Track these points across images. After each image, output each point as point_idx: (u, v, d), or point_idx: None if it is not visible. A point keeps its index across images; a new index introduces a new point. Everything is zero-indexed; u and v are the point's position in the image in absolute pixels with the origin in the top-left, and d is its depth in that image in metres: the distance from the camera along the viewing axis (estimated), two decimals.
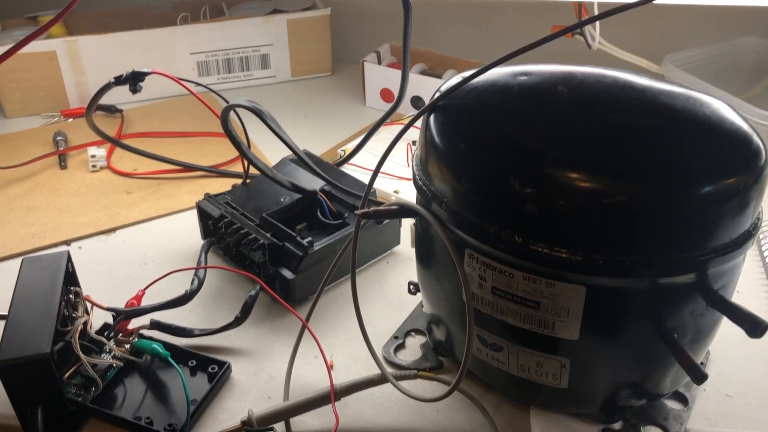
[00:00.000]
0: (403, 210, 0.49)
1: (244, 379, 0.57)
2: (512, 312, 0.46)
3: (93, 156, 0.84)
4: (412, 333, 0.61)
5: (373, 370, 0.54)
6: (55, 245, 0.72)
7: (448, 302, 0.52)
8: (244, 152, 0.64)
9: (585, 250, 0.41)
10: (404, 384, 0.53)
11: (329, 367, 0.56)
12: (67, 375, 0.53)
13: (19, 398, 0.50)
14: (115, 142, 0.81)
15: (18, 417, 0.51)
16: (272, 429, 0.50)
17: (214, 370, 0.56)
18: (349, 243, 0.54)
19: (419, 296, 0.63)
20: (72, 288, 0.57)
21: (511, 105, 0.46)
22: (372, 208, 0.49)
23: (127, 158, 0.85)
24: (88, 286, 0.61)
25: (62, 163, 0.84)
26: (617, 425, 0.51)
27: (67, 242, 0.73)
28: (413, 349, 0.60)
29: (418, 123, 0.50)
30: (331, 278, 0.57)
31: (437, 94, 0.49)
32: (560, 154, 0.41)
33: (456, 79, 0.48)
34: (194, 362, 0.57)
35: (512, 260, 0.44)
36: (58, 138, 0.88)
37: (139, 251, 0.72)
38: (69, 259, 0.58)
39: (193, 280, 0.61)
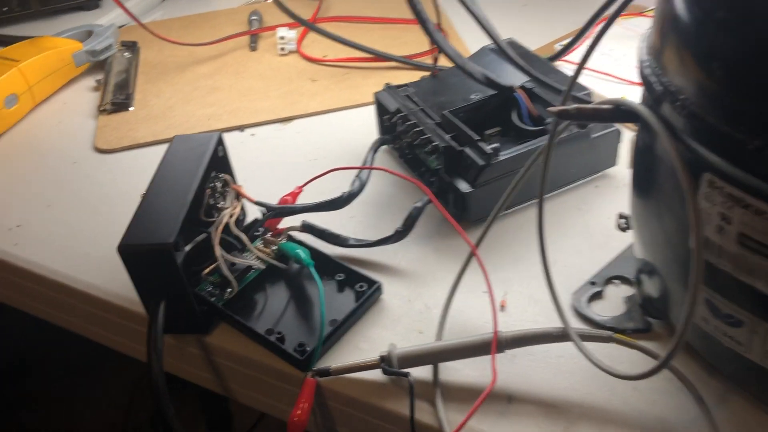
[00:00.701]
0: (618, 111, 0.35)
1: (396, 305, 0.47)
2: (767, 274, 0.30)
3: (282, 38, 0.77)
4: (616, 281, 0.47)
5: (554, 321, 0.42)
6: (229, 129, 0.67)
7: (668, 247, 0.37)
8: (427, 28, 0.52)
9: None
10: (592, 347, 0.40)
11: (497, 308, 0.44)
12: (206, 271, 0.47)
13: (143, 288, 0.45)
14: (304, 23, 0.73)
15: (145, 308, 0.46)
16: (407, 374, 0.40)
17: (362, 289, 0.47)
18: (541, 153, 0.41)
19: (632, 234, 0.48)
20: (221, 175, 0.51)
21: None
22: (574, 106, 0.36)
23: (319, 44, 0.77)
24: (248, 176, 0.55)
25: (252, 44, 0.79)
26: None
27: (241, 128, 0.67)
28: (614, 302, 0.46)
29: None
30: (518, 198, 0.45)
31: None
32: None
33: None
34: (342, 276, 0.48)
35: None
36: (253, 18, 0.82)
37: (311, 144, 0.64)
38: (220, 143, 0.51)
39: (354, 182, 0.52)
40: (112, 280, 0.51)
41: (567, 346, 0.41)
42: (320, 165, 0.61)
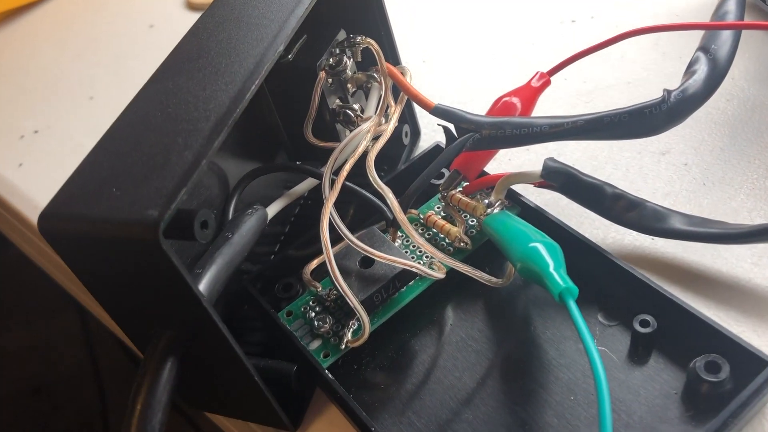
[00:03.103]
0: None
1: None
2: None
3: None
4: None
5: None
6: None
7: None
8: None
9: None
10: None
11: None
12: (310, 267, 0.19)
13: (118, 314, 0.17)
14: None
15: (134, 344, 0.18)
16: None
17: (716, 377, 0.16)
18: None
19: None
20: (359, 39, 0.21)
21: None
22: None
23: None
24: (429, 54, 0.25)
25: None
26: None
27: None
28: None
29: None
30: None
31: None
32: None
33: None
34: (651, 326, 0.17)
35: None
36: None
37: None
38: None
39: (692, 67, 0.20)
40: None
41: None
42: (587, 34, 0.29)
